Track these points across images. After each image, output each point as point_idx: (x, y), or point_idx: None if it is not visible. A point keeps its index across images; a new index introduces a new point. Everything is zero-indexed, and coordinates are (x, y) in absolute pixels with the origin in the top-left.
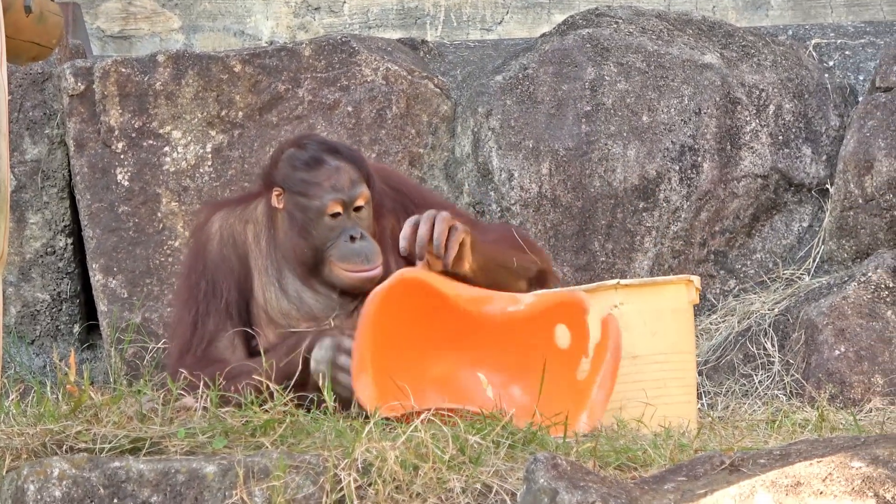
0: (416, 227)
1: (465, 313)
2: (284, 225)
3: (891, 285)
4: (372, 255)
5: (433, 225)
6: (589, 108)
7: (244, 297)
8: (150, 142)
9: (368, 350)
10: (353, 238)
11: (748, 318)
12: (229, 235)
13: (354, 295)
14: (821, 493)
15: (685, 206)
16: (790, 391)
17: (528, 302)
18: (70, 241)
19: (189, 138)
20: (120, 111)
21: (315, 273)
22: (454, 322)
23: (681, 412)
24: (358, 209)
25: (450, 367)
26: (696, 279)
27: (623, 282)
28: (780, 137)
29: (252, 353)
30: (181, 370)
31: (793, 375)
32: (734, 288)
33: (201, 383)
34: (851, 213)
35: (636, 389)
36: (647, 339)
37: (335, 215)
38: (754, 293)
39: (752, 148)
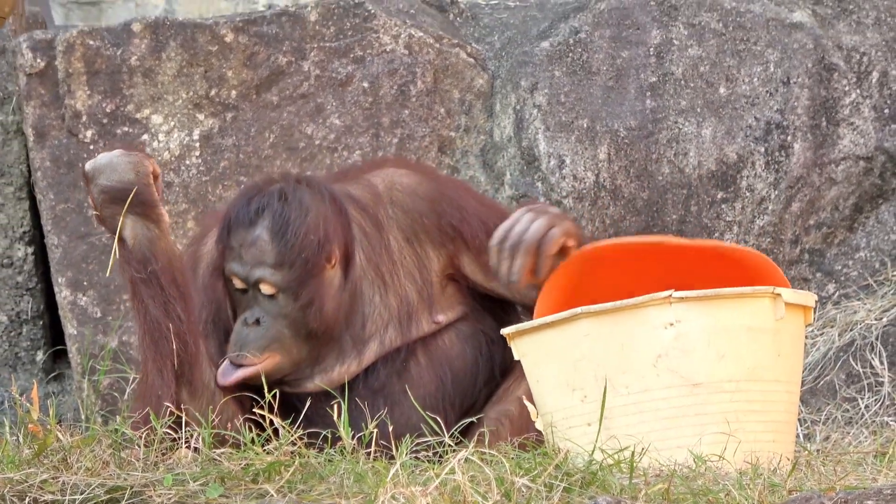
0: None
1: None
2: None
3: None
4: (251, 345)
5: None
6: (654, 80)
7: (219, 339)
8: (126, 128)
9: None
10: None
11: (851, 330)
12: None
13: None
14: None
15: (773, 196)
16: None
17: None
18: (30, 250)
19: (172, 123)
20: (88, 92)
21: None
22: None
23: (763, 455)
24: (271, 297)
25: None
26: (790, 293)
27: (677, 294)
28: (887, 111)
29: None
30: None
31: None
32: (834, 294)
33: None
34: None
35: (696, 424)
36: (713, 363)
37: (243, 291)
38: (858, 299)
39: (852, 124)
